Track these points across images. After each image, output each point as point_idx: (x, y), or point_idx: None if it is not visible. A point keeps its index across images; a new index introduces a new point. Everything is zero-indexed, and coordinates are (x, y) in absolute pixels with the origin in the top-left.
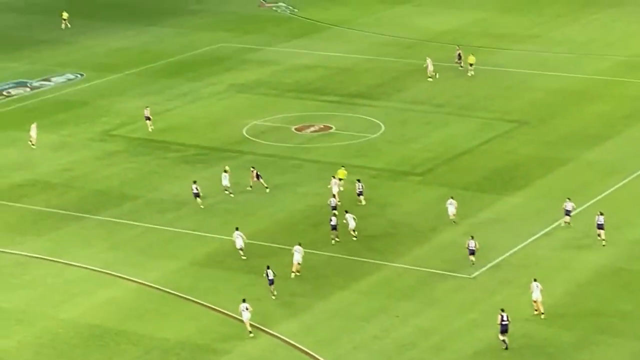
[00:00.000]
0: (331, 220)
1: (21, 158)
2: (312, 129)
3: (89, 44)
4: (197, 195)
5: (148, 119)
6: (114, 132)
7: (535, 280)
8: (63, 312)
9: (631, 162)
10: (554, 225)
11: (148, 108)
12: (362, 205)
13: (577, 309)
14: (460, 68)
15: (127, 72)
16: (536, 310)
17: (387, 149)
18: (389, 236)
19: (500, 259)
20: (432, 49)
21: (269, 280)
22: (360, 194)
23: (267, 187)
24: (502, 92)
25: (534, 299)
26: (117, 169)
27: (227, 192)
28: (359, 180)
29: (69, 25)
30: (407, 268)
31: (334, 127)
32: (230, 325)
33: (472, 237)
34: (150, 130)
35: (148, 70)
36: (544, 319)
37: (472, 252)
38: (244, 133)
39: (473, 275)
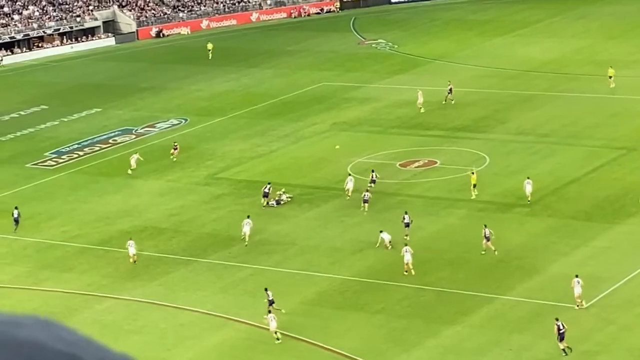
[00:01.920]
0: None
1: (128, 205)
2: (416, 164)
3: (192, 89)
4: None
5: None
6: (219, 175)
7: (577, 276)
8: (177, 356)
9: None
10: None
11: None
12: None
13: None
14: (444, 103)
15: (229, 115)
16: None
17: (493, 182)
18: (499, 269)
19: (613, 287)
20: (534, 78)
21: (269, 301)
22: (365, 201)
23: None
24: (608, 119)
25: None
26: (224, 211)
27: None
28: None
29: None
30: (518, 300)
31: (438, 162)
32: None
33: None
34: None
35: (250, 112)
36: None
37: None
38: (349, 171)
39: (586, 306)
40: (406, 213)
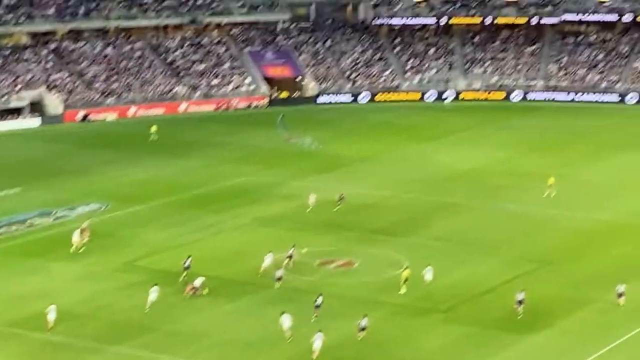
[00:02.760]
0: None
1: (43, 287)
2: (335, 264)
3: (115, 175)
4: None
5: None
6: (137, 263)
7: None
8: None
9: None
10: None
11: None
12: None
13: None
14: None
15: (152, 203)
16: None
17: (410, 285)
18: None
19: None
20: (456, 185)
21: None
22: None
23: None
24: (526, 231)
25: None
26: (139, 300)
27: None
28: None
29: (155, 138)
30: None
31: (357, 263)
32: None
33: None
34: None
35: (173, 201)
36: None
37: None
38: (267, 267)
39: None
40: (320, 295)
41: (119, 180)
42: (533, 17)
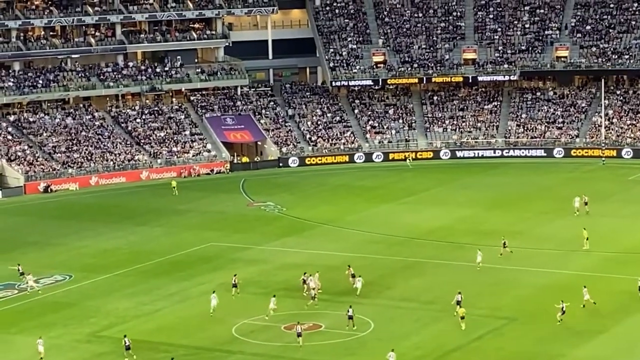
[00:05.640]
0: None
1: None
2: (301, 327)
3: (77, 245)
4: None
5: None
6: (102, 333)
7: None
8: None
9: (622, 359)
10: None
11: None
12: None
13: None
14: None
15: (115, 273)
16: None
17: (377, 347)
18: None
19: None
20: (419, 245)
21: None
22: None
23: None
24: (490, 289)
25: None
26: None
27: None
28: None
29: (176, 193)
30: None
31: (323, 326)
32: None
33: None
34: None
35: (136, 270)
36: None
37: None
38: (234, 332)
39: None
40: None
41: (82, 250)
42: (491, 74)
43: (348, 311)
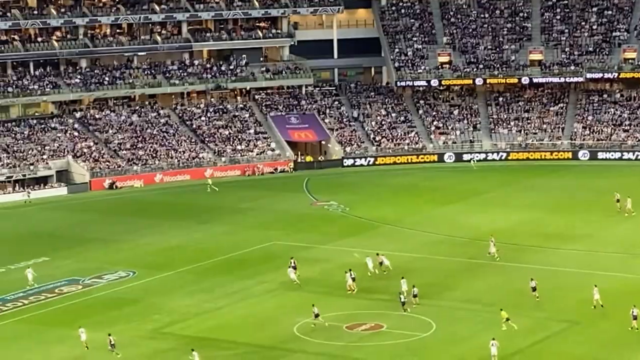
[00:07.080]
0: None
1: (71, 356)
2: (363, 327)
3: (141, 242)
4: None
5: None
6: (165, 330)
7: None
8: None
9: None
10: None
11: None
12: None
13: None
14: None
15: (178, 270)
16: None
17: (439, 348)
18: None
19: None
20: (482, 247)
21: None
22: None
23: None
24: (553, 292)
25: None
26: None
27: None
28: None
29: (216, 189)
30: None
31: (385, 326)
32: None
33: None
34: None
35: (199, 268)
36: None
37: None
38: (295, 331)
39: None
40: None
41: (145, 248)
42: (558, 76)
43: None
